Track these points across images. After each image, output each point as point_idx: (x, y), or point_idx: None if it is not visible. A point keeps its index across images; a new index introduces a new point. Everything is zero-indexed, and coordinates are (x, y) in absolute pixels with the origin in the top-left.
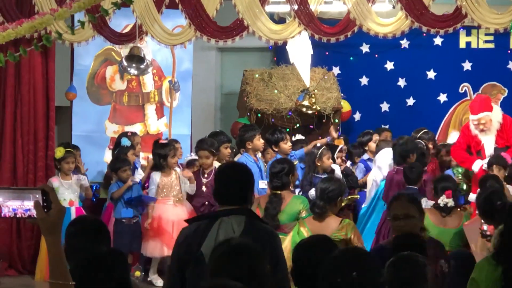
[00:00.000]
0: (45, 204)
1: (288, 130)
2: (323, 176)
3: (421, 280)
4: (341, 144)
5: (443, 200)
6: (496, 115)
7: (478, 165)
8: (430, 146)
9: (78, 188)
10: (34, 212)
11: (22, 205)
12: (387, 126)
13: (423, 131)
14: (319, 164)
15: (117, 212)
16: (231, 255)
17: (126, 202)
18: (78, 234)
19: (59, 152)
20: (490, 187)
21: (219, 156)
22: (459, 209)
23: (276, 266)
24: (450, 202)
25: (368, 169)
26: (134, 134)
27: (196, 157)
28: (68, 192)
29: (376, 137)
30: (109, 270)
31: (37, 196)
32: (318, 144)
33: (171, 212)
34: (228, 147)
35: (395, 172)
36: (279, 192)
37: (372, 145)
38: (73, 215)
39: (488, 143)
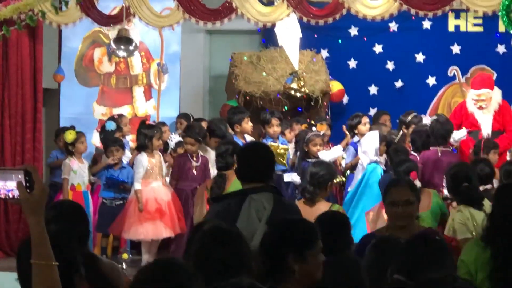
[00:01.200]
0: (27, 184)
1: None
2: (310, 161)
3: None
4: (323, 129)
5: None
6: (496, 94)
7: (462, 134)
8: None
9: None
10: (16, 193)
11: (5, 186)
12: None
13: (413, 114)
14: (306, 150)
15: (100, 192)
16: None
17: (104, 184)
18: (56, 218)
19: (70, 134)
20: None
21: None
22: (427, 189)
23: None
24: (416, 183)
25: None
26: (121, 116)
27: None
28: (86, 175)
29: (365, 119)
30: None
31: (19, 176)
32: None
33: (164, 193)
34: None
35: (441, 154)
36: (224, 172)
37: (362, 127)
38: (90, 200)
39: (486, 123)
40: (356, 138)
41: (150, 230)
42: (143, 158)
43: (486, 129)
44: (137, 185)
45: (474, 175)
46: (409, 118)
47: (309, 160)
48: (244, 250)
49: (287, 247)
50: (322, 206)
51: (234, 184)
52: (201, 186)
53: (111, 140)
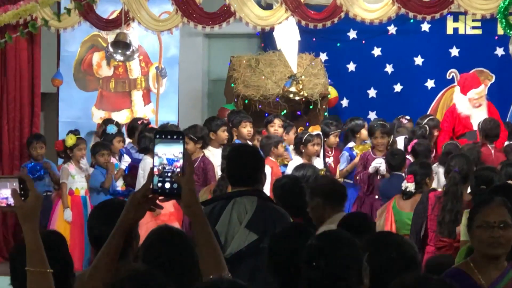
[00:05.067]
0: (22, 192)
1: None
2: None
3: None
4: (317, 130)
5: (404, 184)
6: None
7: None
8: (436, 133)
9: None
10: (11, 200)
11: (0, 193)
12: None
13: (429, 117)
14: (303, 151)
15: (94, 199)
16: None
17: (111, 194)
18: None
19: (71, 139)
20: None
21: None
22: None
23: None
24: (410, 187)
25: (352, 158)
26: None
27: None
28: (84, 180)
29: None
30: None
31: (14, 184)
32: (315, 133)
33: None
34: (224, 131)
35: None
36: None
37: (364, 132)
38: (89, 205)
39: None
40: (351, 144)
41: None
42: (149, 161)
43: None
44: None
45: (497, 179)
46: (425, 121)
47: None
48: (188, 250)
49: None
50: None
51: None
52: (203, 189)
53: (98, 144)
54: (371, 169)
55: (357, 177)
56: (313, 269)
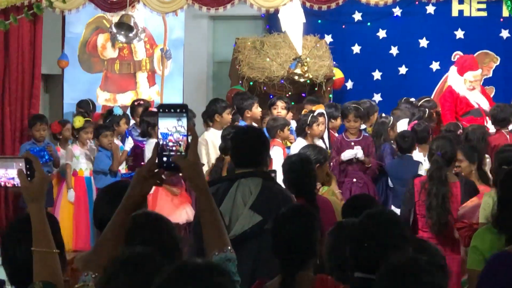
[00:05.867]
0: (28, 172)
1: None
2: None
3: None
4: (321, 108)
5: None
6: None
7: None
8: (434, 114)
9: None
10: (17, 181)
11: (6, 174)
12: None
13: (425, 99)
14: (309, 132)
15: (99, 182)
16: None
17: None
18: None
19: (78, 121)
20: None
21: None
22: None
23: None
24: None
25: None
26: (139, 105)
27: None
28: (88, 162)
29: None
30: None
31: (20, 164)
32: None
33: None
34: (229, 113)
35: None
36: (223, 156)
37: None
38: (94, 186)
39: (481, 100)
40: (362, 126)
41: (184, 214)
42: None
43: (485, 105)
44: None
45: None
46: (421, 102)
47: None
48: (168, 234)
49: None
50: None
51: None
52: None
53: (101, 126)
54: (345, 158)
55: (331, 163)
56: (363, 249)
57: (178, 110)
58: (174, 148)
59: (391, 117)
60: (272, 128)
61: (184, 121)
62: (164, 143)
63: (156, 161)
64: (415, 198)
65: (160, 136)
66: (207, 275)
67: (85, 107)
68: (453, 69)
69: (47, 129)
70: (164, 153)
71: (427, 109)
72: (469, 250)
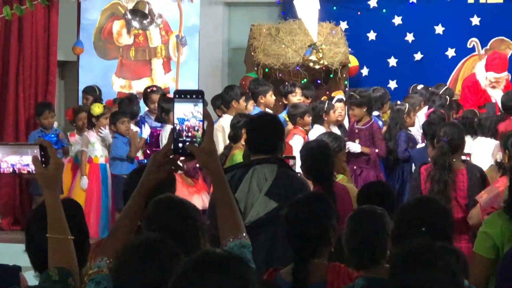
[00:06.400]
0: (43, 159)
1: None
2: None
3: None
4: (340, 94)
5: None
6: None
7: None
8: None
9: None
10: (32, 167)
11: (21, 160)
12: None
13: (446, 87)
14: (325, 119)
15: (116, 168)
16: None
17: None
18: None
19: (98, 108)
20: None
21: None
22: None
23: None
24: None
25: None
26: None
27: None
28: (104, 148)
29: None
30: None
31: (35, 151)
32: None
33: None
34: (244, 100)
35: None
36: (232, 144)
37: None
38: (109, 173)
39: (498, 96)
40: (376, 112)
41: (199, 201)
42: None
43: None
44: None
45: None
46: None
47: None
48: (190, 219)
49: None
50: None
51: (232, 157)
52: None
53: (118, 112)
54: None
55: None
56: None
57: (194, 96)
58: (190, 134)
59: (407, 104)
60: (293, 116)
61: (200, 107)
62: (181, 128)
63: (172, 147)
64: (421, 186)
65: (176, 121)
66: (229, 266)
67: (92, 93)
68: (483, 61)
69: (55, 116)
70: (180, 138)
71: (447, 97)
72: (478, 234)
